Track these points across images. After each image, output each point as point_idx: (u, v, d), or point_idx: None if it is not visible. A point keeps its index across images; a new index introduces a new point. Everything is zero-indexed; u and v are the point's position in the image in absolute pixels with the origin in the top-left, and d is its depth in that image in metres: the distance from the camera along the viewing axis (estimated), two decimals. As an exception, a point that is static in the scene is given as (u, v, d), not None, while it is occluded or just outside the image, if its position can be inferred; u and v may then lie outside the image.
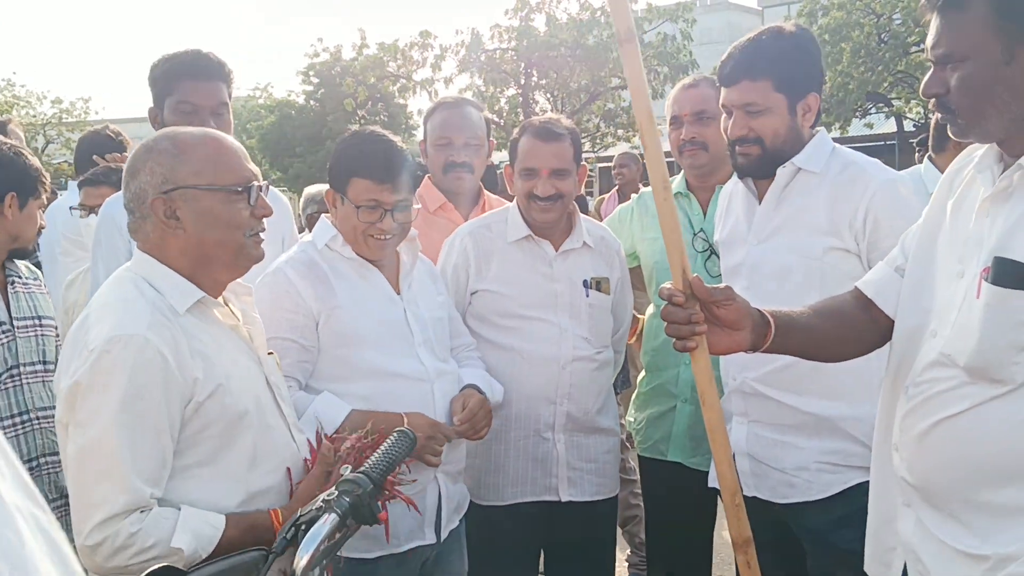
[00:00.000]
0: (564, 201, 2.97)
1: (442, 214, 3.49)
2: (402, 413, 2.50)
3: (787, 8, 32.08)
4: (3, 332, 2.85)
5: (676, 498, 3.24)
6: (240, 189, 2.01)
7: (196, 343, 1.93)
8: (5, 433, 2.79)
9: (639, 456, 3.52)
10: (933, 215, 1.96)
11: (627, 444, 4.48)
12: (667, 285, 1.92)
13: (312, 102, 31.42)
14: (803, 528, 2.68)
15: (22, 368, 2.87)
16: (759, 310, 1.97)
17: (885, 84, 25.04)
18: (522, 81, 24.95)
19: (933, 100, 1.82)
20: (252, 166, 2.07)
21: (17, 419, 2.84)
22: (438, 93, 25.67)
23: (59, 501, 2.89)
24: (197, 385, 1.89)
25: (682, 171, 3.39)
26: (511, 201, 3.20)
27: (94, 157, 4.28)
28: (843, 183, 2.59)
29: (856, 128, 26.39)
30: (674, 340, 1.90)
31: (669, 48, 23.56)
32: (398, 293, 2.69)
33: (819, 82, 2.68)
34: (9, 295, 2.94)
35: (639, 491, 4.09)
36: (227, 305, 2.14)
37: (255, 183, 2.04)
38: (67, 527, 2.91)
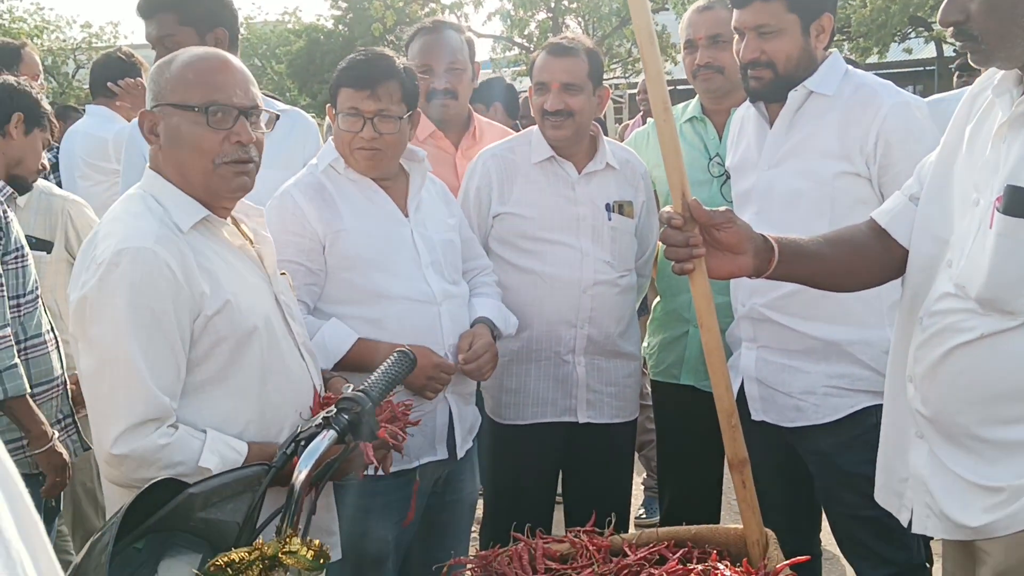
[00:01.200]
0: (576, 119, 2.94)
1: (432, 142, 3.44)
2: (406, 346, 2.52)
3: (827, -72, 31.11)
4: (30, 250, 2.92)
5: (688, 421, 3.27)
6: (197, 109, 1.95)
7: (202, 259, 1.94)
8: (47, 347, 2.89)
9: (651, 380, 3.54)
10: (951, 141, 1.92)
11: (643, 369, 4.52)
12: (667, 208, 1.91)
13: (341, 27, 31.11)
14: (810, 451, 2.70)
15: (38, 286, 2.94)
16: (763, 235, 1.95)
17: (927, 7, 24.29)
18: (552, 4, 24.54)
19: (952, 28, 1.78)
20: (239, 91, 2.00)
21: (52, 334, 2.93)
22: (467, 17, 25.32)
23: (82, 412, 2.97)
24: (205, 299, 1.90)
25: (697, 95, 3.35)
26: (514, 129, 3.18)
27: (108, 84, 4.30)
28: (854, 106, 2.55)
29: (895, 53, 25.73)
30: (672, 263, 1.91)
31: (704, -29, 23.03)
32: (406, 214, 2.69)
33: (834, 2, 2.63)
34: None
35: (655, 415, 4.13)
36: (237, 226, 2.15)
37: (224, 106, 1.97)
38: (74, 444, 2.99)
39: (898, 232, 2.02)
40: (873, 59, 24.34)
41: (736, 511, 2.07)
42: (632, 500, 5.01)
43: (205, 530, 1.62)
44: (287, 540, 1.56)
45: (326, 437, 1.68)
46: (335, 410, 1.72)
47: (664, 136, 1.88)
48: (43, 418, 2.74)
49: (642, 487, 5.04)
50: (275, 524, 1.66)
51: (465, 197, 3.07)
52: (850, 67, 2.66)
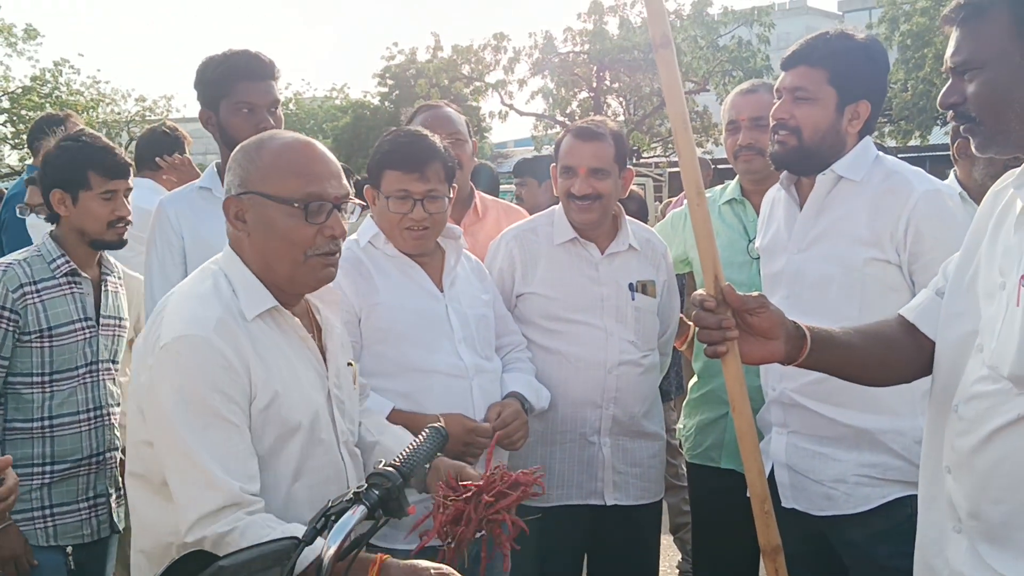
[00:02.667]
0: (603, 202, 2.97)
1: None
2: (439, 416, 2.50)
3: (868, 13, 31.45)
4: (88, 328, 2.97)
5: (725, 505, 3.21)
6: (297, 204, 1.95)
7: (261, 348, 1.95)
8: (80, 427, 2.91)
9: (687, 463, 3.50)
10: (974, 235, 1.92)
11: (679, 451, 4.47)
12: (700, 291, 1.92)
13: (387, 103, 31.83)
14: (842, 542, 2.65)
15: (100, 364, 2.98)
16: (795, 323, 1.95)
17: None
18: (594, 84, 24.96)
19: (951, 112, 1.81)
20: (334, 182, 2.00)
21: (93, 413, 2.96)
22: (511, 95, 25.85)
23: (116, 494, 3.02)
24: (257, 389, 1.92)
25: (736, 176, 3.38)
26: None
27: (156, 159, 4.44)
28: (885, 193, 2.55)
29: (937, 136, 25.74)
30: (705, 346, 1.91)
31: (744, 53, 23.34)
32: (441, 290, 2.73)
33: (878, 94, 2.65)
34: (102, 292, 3.05)
35: (690, 497, 4.07)
36: (312, 314, 2.15)
37: (322, 201, 1.96)
38: (120, 517, 3.00)
39: (926, 327, 2.00)
40: (915, 142, 24.36)
41: (771, 598, 2.04)
42: (666, 584, 4.91)
43: (233, 603, 1.62)
44: (314, 616, 1.55)
45: (356, 512, 1.68)
46: (366, 486, 1.73)
47: (697, 220, 1.90)
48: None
49: (677, 570, 4.96)
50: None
51: None
52: (881, 153, 2.67)
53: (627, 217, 3.14)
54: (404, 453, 1.84)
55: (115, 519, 3.03)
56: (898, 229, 2.50)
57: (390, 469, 1.76)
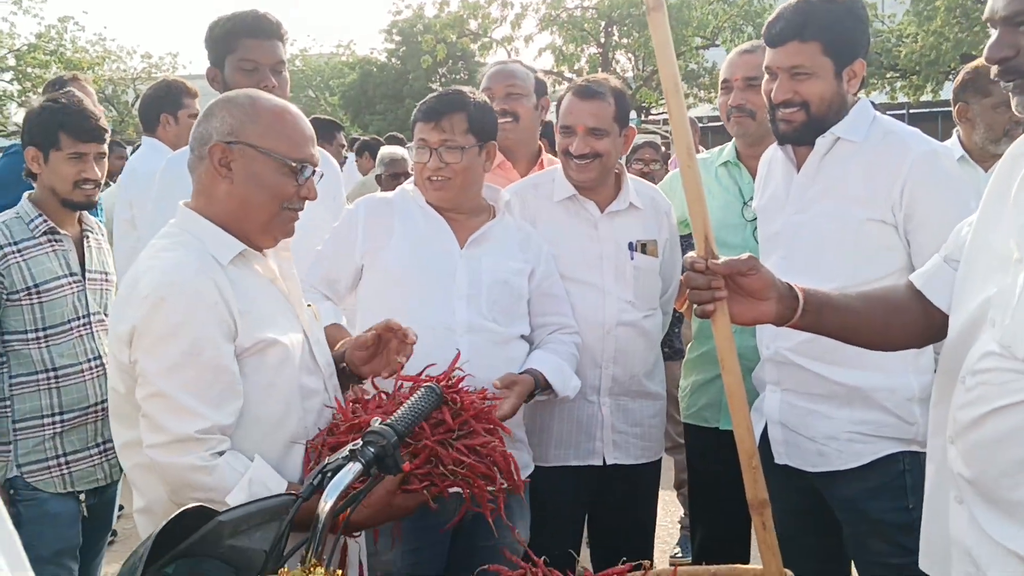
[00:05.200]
0: (601, 161, 2.96)
1: (500, 172, 3.45)
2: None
3: (881, -35, 30.94)
4: (75, 283, 3.05)
5: (720, 463, 3.25)
6: (294, 164, 2.09)
7: (240, 293, 2.04)
8: (84, 376, 3.01)
9: (684, 422, 3.53)
10: (991, 199, 1.86)
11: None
12: (691, 254, 1.95)
13: (394, 60, 31.62)
14: (836, 497, 2.68)
15: (92, 317, 3.07)
16: (789, 284, 1.95)
17: (981, 46, 23.79)
18: (602, 40, 24.72)
19: (997, 68, 1.73)
20: (314, 150, 2.16)
21: (94, 363, 3.05)
22: (518, 51, 25.59)
23: (103, 446, 3.09)
24: (240, 332, 2.01)
25: (732, 140, 3.38)
26: None
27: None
28: (882, 153, 2.55)
29: (948, 91, 25.24)
30: (695, 305, 1.94)
31: (756, 8, 23.05)
32: (462, 246, 2.76)
33: (866, 48, 2.63)
34: (84, 248, 3.12)
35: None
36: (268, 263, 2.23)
37: (310, 166, 2.13)
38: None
39: (933, 293, 1.98)
40: (927, 97, 24.04)
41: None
42: (669, 539, 4.99)
43: (232, 557, 1.67)
44: (311, 569, 1.60)
45: (351, 469, 1.72)
46: (361, 443, 1.77)
47: (688, 181, 1.92)
48: None
49: (679, 525, 5.02)
50: (300, 553, 1.70)
51: None
52: (878, 114, 2.66)
53: (630, 175, 3.13)
54: (400, 411, 1.88)
55: None
56: (894, 189, 2.50)
57: (386, 427, 1.80)
